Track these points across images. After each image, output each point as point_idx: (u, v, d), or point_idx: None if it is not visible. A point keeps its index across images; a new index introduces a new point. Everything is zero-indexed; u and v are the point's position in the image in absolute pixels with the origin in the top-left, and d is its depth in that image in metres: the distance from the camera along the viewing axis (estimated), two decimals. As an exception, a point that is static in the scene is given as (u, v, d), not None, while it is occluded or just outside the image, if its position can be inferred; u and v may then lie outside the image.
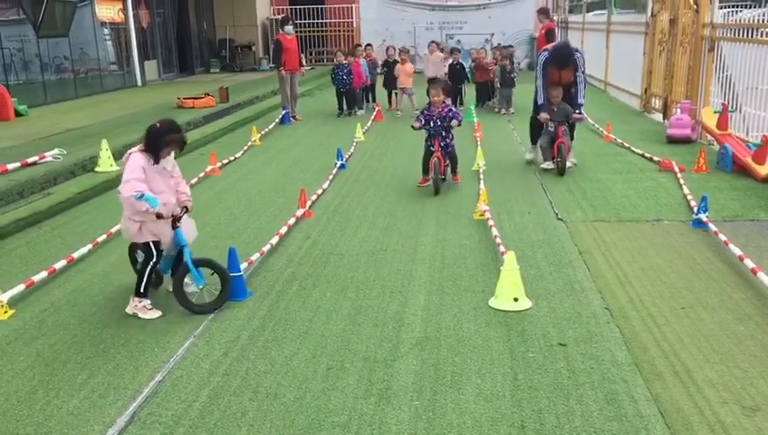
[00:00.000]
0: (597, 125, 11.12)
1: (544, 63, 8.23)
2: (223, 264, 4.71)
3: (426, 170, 7.71)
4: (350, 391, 3.55)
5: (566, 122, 8.21)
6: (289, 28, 13.33)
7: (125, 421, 3.34)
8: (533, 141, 8.94)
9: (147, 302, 4.63)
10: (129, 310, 4.63)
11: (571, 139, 8.47)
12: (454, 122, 7.57)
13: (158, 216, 4.49)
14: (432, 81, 8.11)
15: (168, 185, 4.69)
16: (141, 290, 4.61)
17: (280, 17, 16.62)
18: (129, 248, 5.03)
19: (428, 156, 7.68)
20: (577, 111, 8.24)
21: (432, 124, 7.61)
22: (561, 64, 8.07)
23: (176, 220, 4.63)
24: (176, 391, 3.62)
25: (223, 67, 24.29)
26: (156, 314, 4.59)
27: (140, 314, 4.57)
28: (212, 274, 4.70)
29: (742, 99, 9.46)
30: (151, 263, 4.61)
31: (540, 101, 8.41)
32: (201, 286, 4.72)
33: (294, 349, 4.04)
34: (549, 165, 8.32)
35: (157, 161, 4.58)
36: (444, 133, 7.63)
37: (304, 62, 23.23)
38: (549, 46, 8.56)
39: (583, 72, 8.26)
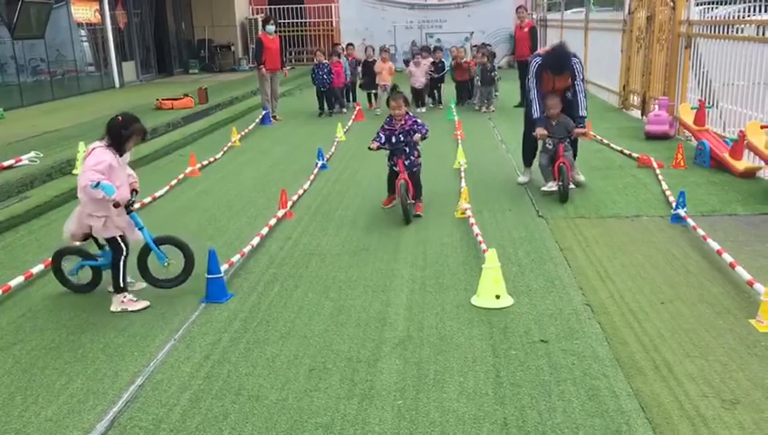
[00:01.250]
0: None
1: (537, 70, 7.11)
2: (203, 265, 4.68)
3: (391, 190, 6.79)
4: (332, 392, 3.54)
5: (567, 138, 7.15)
6: (270, 28, 13.29)
7: (105, 427, 3.30)
8: (527, 162, 7.90)
9: (130, 295, 4.68)
10: (115, 308, 4.65)
11: (575, 156, 7.50)
12: (416, 136, 6.47)
13: (116, 205, 4.52)
14: (392, 91, 6.81)
15: (125, 177, 4.75)
16: (122, 285, 4.67)
17: (261, 17, 16.52)
18: (55, 258, 4.89)
19: (392, 177, 6.70)
20: (580, 125, 7.09)
21: (394, 141, 6.57)
22: (556, 70, 7.01)
23: (129, 205, 4.73)
24: (156, 395, 3.58)
25: (202, 68, 24.13)
26: (144, 303, 4.67)
27: (130, 308, 4.62)
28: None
29: (719, 95, 9.56)
30: (123, 257, 4.66)
31: (535, 115, 7.17)
32: (166, 263, 4.82)
33: (276, 350, 4.02)
34: (551, 187, 7.12)
35: (121, 154, 4.67)
36: (408, 150, 6.59)
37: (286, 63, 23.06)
38: (541, 51, 7.45)
39: (582, 81, 7.15)
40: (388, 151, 6.66)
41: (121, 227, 4.68)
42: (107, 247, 4.77)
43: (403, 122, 6.54)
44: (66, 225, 4.81)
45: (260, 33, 13.55)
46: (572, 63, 7.01)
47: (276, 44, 13.34)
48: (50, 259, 4.98)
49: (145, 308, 4.64)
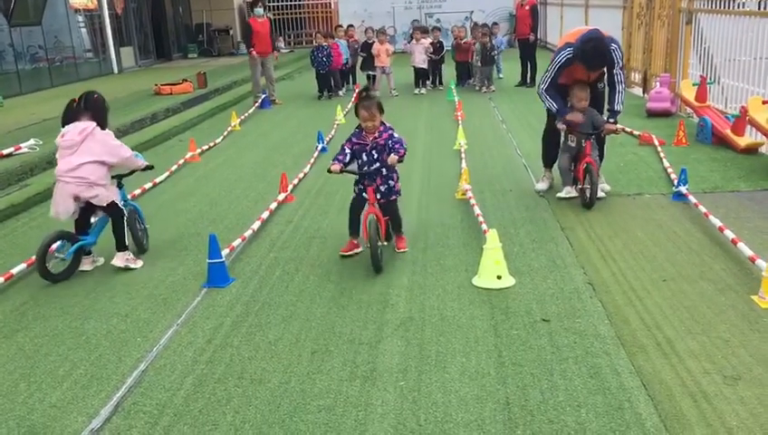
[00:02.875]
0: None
1: (567, 62, 5.89)
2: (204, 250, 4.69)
3: (354, 230, 5.17)
4: (335, 374, 3.55)
5: (595, 135, 6.07)
6: (259, 11, 13.13)
7: (109, 412, 3.32)
8: (547, 163, 6.69)
9: (131, 254, 5.16)
10: (120, 264, 5.06)
11: (601, 157, 6.35)
12: (392, 158, 4.84)
13: (148, 167, 5.36)
14: (364, 98, 4.97)
15: None
16: (126, 244, 5.11)
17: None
18: (43, 252, 4.82)
19: (358, 208, 5.10)
20: (611, 120, 5.98)
21: (365, 158, 4.99)
22: (593, 65, 5.84)
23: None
24: (160, 379, 3.59)
25: (200, 52, 24.03)
26: (141, 262, 5.17)
27: (131, 265, 5.09)
28: None
29: (720, 71, 9.50)
30: (123, 217, 5.10)
31: (554, 108, 6.05)
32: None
33: (279, 334, 4.02)
34: (569, 192, 6.15)
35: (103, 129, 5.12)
36: (384, 172, 4.99)
37: (282, 45, 22.87)
38: (572, 38, 5.92)
39: (622, 69, 5.98)
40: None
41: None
42: (97, 221, 5.20)
43: (377, 135, 4.96)
44: (57, 207, 4.98)
45: (250, 17, 13.39)
46: (611, 51, 5.85)
47: (266, 28, 13.14)
48: (35, 256, 4.86)
49: (140, 267, 5.12)
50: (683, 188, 6.06)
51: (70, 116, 5.07)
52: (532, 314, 4.09)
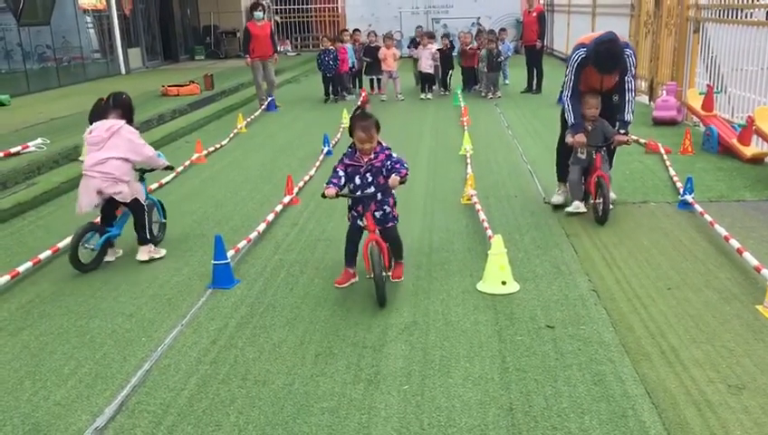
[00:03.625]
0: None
1: (580, 65, 5.69)
2: (209, 251, 4.70)
3: (350, 260, 4.77)
4: (338, 377, 3.55)
5: (605, 147, 5.92)
6: (258, 14, 13.09)
7: (113, 410, 3.33)
8: (561, 177, 6.35)
9: (154, 246, 5.39)
10: (144, 257, 5.28)
11: (610, 166, 6.17)
12: (393, 179, 4.39)
13: (168, 168, 5.64)
14: (361, 117, 4.48)
15: None
16: (148, 237, 5.33)
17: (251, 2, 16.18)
18: (76, 242, 5.03)
19: (355, 236, 4.70)
20: (621, 130, 5.80)
21: (359, 182, 4.52)
22: (606, 67, 5.58)
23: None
24: (164, 379, 3.60)
25: (208, 54, 24.09)
26: (164, 250, 5.43)
27: (156, 256, 5.33)
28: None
29: (727, 80, 9.49)
30: (145, 213, 5.32)
31: (570, 120, 5.82)
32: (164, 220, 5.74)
33: (283, 336, 4.03)
34: (578, 207, 5.90)
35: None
36: (380, 196, 4.55)
37: (289, 48, 22.93)
38: (586, 40, 5.81)
39: (634, 77, 5.83)
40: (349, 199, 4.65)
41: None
42: (122, 215, 5.41)
43: (372, 157, 4.50)
44: (83, 201, 5.14)
45: (249, 21, 13.35)
46: (625, 57, 5.62)
47: (266, 31, 13.07)
48: (71, 245, 5.02)
49: (163, 256, 5.36)
50: (688, 197, 6.06)
51: (98, 113, 5.26)
52: (537, 321, 4.09)
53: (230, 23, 24.67)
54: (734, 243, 4.90)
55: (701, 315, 4.07)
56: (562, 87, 5.96)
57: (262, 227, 5.79)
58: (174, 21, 23.48)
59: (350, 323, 4.16)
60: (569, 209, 5.96)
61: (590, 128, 5.82)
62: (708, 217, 5.51)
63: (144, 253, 5.29)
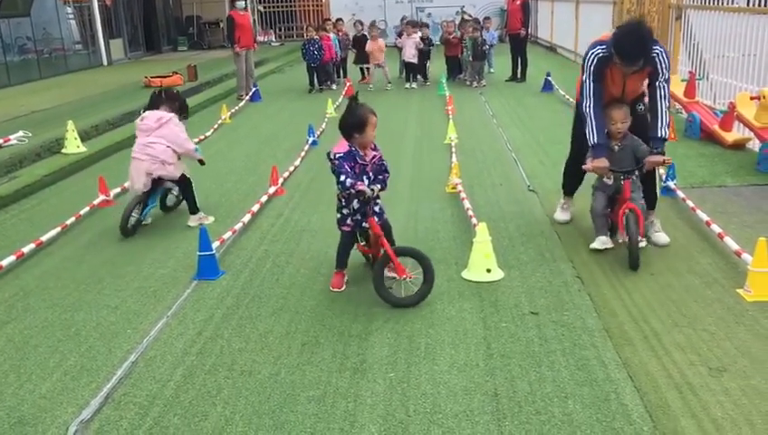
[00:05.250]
0: (568, 96, 11.17)
1: (599, 64, 4.60)
2: (194, 243, 4.69)
3: (342, 263, 4.53)
4: (324, 366, 3.57)
5: (637, 171, 4.74)
6: (240, 3, 13.01)
7: (99, 403, 3.32)
8: (567, 190, 5.59)
9: (202, 214, 5.99)
10: (194, 223, 5.84)
11: (654, 199, 5.11)
12: (376, 188, 4.27)
13: (201, 162, 6.22)
14: (370, 111, 4.29)
15: None
16: (197, 207, 5.96)
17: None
18: (128, 212, 5.69)
19: (350, 245, 4.52)
20: (656, 150, 4.63)
21: (367, 182, 4.28)
22: (631, 55, 4.40)
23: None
24: (150, 371, 3.60)
25: (191, 45, 23.92)
26: (212, 217, 6.01)
27: (205, 222, 5.84)
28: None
29: (709, 67, 9.56)
30: (191, 186, 5.94)
31: (592, 139, 4.63)
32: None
33: (269, 326, 4.04)
34: (604, 243, 4.84)
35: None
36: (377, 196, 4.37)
37: (273, 38, 22.76)
38: (604, 37, 4.69)
39: (668, 81, 4.62)
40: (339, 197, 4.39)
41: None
42: (155, 192, 5.93)
43: (372, 157, 4.36)
44: (133, 183, 5.72)
45: (231, 10, 13.24)
46: (654, 53, 4.52)
47: (248, 20, 13.03)
48: (123, 216, 5.64)
49: (211, 222, 5.91)
50: (671, 183, 6.11)
51: (152, 104, 5.90)
52: (521, 307, 4.12)
53: (213, 13, 24.49)
54: (716, 228, 4.95)
55: (683, 300, 4.12)
56: (581, 102, 4.77)
57: (247, 218, 5.78)
58: (156, 11, 23.27)
59: (335, 312, 4.17)
60: (593, 246, 4.86)
61: (616, 148, 4.73)
62: (690, 203, 5.57)
63: (194, 220, 5.90)
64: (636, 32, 4.41)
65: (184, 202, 6.08)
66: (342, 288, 4.50)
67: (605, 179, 4.82)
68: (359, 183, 4.17)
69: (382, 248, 4.30)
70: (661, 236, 5.00)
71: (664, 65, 4.56)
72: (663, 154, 4.67)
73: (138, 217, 5.77)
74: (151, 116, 5.74)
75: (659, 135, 4.60)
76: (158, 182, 5.82)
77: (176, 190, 6.15)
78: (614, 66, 4.56)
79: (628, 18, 11.85)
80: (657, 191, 5.22)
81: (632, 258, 4.53)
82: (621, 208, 4.68)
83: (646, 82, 4.70)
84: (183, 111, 6.04)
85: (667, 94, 4.63)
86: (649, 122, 4.67)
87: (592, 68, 4.63)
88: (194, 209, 5.96)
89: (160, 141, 5.65)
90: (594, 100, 4.64)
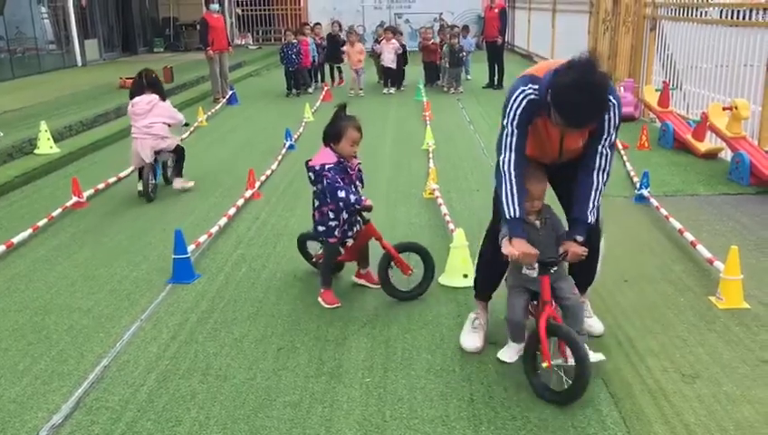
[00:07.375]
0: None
1: (527, 111, 3.18)
2: (170, 246, 4.63)
3: (330, 280, 4.39)
4: (300, 371, 3.54)
5: (559, 261, 3.33)
6: (214, 6, 12.99)
7: (70, 408, 3.27)
8: (481, 291, 3.89)
9: (184, 179, 7.00)
10: (179, 186, 6.94)
11: (590, 276, 3.78)
12: (351, 196, 4.16)
13: (186, 124, 7.45)
14: (351, 118, 4.29)
15: None
16: (182, 172, 7.02)
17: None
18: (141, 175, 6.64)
19: (339, 251, 4.45)
20: (577, 236, 3.30)
21: (355, 193, 4.26)
22: (576, 125, 3.08)
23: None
24: (122, 375, 3.55)
25: (167, 46, 23.72)
26: (192, 182, 7.02)
27: (186, 186, 6.92)
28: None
29: (682, 77, 9.71)
30: (184, 153, 7.03)
31: (507, 212, 3.24)
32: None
33: (245, 330, 4.01)
34: (511, 356, 3.51)
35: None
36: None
37: (251, 42, 22.68)
38: (538, 71, 3.20)
39: (612, 146, 3.33)
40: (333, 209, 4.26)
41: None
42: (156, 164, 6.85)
43: (354, 166, 4.33)
44: (136, 158, 6.57)
45: (205, 12, 13.18)
46: (607, 107, 3.10)
47: (221, 23, 13.00)
48: (143, 184, 6.59)
49: (193, 186, 6.96)
50: (645, 191, 6.18)
51: (136, 90, 6.77)
52: (497, 313, 4.13)
53: (190, 14, 24.28)
54: (689, 236, 5.02)
55: (657, 307, 4.17)
56: (498, 146, 3.39)
57: (223, 221, 5.74)
58: (132, 12, 23.04)
59: (312, 316, 4.15)
60: (499, 356, 3.55)
61: (538, 224, 3.43)
62: (664, 211, 5.64)
63: (178, 183, 6.92)
64: (588, 86, 2.90)
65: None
66: (339, 304, 4.27)
67: (526, 270, 3.37)
68: (365, 199, 4.21)
69: (384, 250, 4.37)
70: (594, 323, 3.85)
71: (613, 123, 3.21)
72: (583, 242, 3.30)
73: (154, 182, 6.67)
74: (141, 101, 6.60)
75: (587, 220, 3.29)
76: (158, 154, 6.72)
77: (171, 161, 7.01)
78: (548, 119, 3.14)
79: (603, 27, 12.01)
80: (599, 267, 3.77)
81: (575, 387, 3.14)
82: (542, 315, 3.26)
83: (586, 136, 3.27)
84: (162, 94, 6.83)
85: (607, 166, 3.32)
86: (575, 197, 3.32)
87: (519, 112, 3.19)
88: (181, 173, 6.98)
89: (158, 120, 6.56)
90: (516, 156, 3.24)
